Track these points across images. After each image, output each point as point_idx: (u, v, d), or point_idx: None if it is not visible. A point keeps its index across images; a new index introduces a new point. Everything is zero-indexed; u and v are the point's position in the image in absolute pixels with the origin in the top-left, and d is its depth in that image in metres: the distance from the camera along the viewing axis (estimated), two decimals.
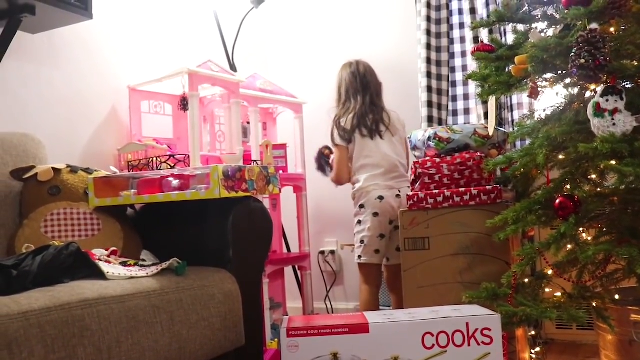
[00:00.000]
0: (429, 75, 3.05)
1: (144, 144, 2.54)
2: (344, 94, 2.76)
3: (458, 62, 3.07)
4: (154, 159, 2.41)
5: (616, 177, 1.58)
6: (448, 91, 3.05)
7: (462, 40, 3.05)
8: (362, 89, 2.72)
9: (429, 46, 3.05)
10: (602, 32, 1.60)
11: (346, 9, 3.57)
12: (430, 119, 3.03)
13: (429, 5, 3.06)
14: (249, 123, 2.95)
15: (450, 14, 3.09)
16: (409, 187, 2.59)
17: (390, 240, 2.62)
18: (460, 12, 3.05)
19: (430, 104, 3.04)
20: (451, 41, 3.08)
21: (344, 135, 2.68)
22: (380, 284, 2.71)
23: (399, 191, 2.59)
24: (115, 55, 2.69)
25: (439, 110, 2.99)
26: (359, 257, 2.63)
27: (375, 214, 2.57)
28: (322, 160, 2.91)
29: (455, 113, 3.02)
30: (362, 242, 2.61)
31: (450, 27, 3.08)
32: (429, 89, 3.04)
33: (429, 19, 3.06)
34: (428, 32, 3.05)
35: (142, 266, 1.59)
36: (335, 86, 2.81)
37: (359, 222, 2.62)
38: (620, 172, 1.53)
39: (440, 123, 3.02)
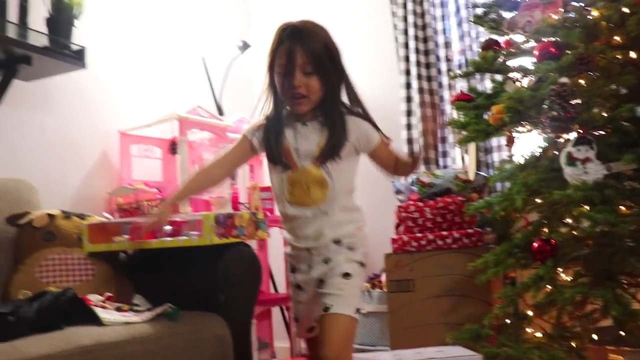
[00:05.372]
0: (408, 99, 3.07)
1: (134, 187, 2.58)
2: None
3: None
4: (145, 202, 2.46)
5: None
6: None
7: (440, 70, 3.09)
8: None
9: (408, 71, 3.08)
10: (572, 86, 1.70)
11: None
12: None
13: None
14: None
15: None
16: None
17: None
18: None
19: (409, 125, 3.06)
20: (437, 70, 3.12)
21: None
22: None
23: None
24: (107, 101, 2.75)
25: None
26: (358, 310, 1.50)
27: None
28: None
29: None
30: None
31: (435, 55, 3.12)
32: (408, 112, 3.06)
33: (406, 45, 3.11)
34: (406, 59, 3.08)
35: (136, 311, 1.63)
36: None
37: (362, 264, 1.56)
38: (592, 219, 1.61)
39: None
